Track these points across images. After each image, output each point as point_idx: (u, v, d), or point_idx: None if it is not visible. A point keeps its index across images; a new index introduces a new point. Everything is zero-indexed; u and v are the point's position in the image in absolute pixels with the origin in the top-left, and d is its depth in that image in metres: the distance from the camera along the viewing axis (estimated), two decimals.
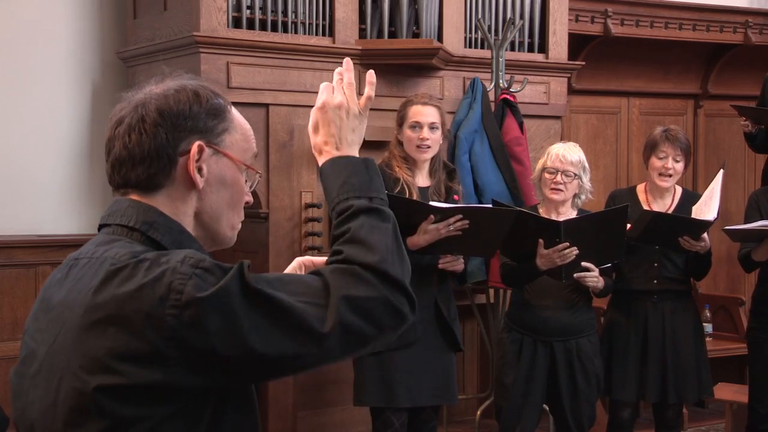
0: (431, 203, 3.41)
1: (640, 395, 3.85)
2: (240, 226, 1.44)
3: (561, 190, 3.60)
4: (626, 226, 3.50)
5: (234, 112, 1.42)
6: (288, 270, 1.64)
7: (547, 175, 3.62)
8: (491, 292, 4.43)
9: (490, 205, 3.74)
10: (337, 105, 1.46)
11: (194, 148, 1.34)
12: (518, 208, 3.52)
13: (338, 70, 1.50)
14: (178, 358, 1.19)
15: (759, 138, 4.57)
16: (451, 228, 3.31)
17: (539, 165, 3.69)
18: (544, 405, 3.73)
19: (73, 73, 4.43)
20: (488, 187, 4.14)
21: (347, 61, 1.50)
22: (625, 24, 5.51)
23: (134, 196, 1.35)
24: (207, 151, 1.35)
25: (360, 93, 1.49)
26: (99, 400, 1.19)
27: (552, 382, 3.63)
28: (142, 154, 1.33)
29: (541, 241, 3.40)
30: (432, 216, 3.30)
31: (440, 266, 3.48)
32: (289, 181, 4.08)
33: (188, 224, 1.37)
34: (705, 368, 3.89)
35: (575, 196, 3.65)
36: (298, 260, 1.63)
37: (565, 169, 3.59)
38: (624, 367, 3.82)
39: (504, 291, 4.30)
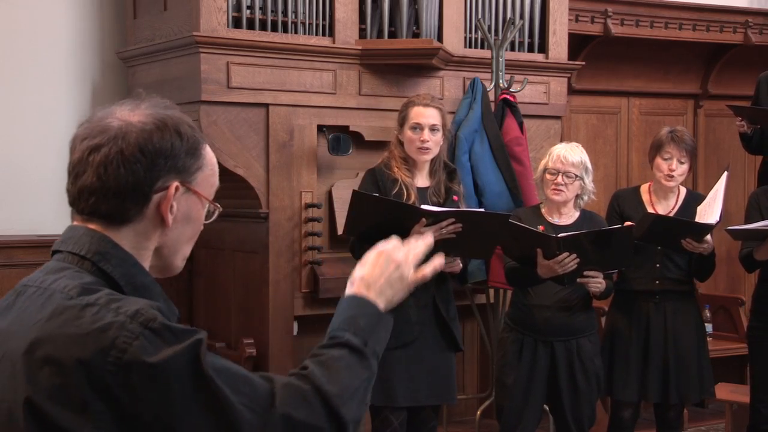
0: (423, 207, 3.40)
1: (642, 395, 3.85)
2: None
3: (562, 191, 3.59)
4: (632, 238, 3.48)
5: (207, 148, 1.41)
6: None
7: (548, 176, 3.61)
8: (491, 292, 4.43)
9: (483, 210, 3.75)
10: (395, 260, 1.47)
11: (172, 189, 1.33)
12: (515, 222, 3.48)
13: (422, 238, 1.54)
14: (104, 413, 1.16)
15: (755, 139, 4.57)
16: (444, 231, 3.30)
17: (541, 165, 3.68)
18: (545, 405, 3.74)
19: (73, 73, 4.43)
20: (488, 187, 4.13)
21: (430, 237, 1.55)
22: (625, 24, 5.51)
23: (97, 225, 1.33)
24: (180, 189, 1.34)
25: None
26: None
27: (552, 382, 3.62)
28: (117, 188, 1.30)
29: (539, 251, 3.39)
30: (424, 219, 3.29)
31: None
32: (289, 181, 4.08)
33: (146, 258, 1.35)
34: (707, 369, 3.88)
35: (577, 196, 3.65)
36: None
37: (566, 170, 3.58)
38: (625, 367, 3.82)
39: (504, 291, 4.30)
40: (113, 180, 1.30)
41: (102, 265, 1.30)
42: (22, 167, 4.32)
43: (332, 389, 1.28)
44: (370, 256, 1.48)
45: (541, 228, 3.56)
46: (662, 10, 5.60)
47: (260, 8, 4.01)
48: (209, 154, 1.41)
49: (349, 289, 1.46)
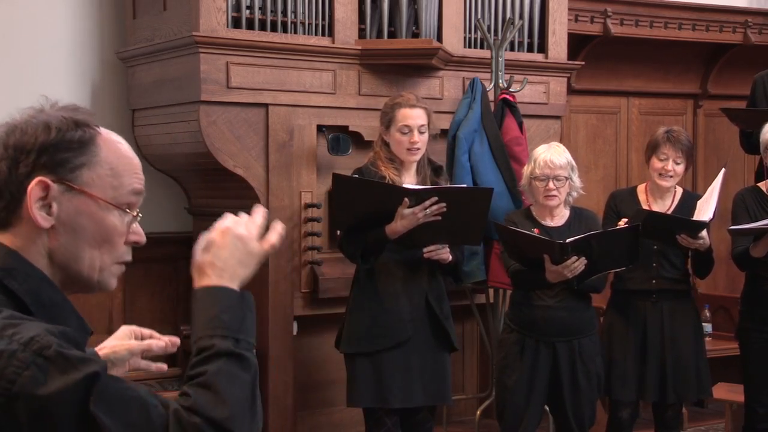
0: (404, 185, 3.39)
1: (640, 395, 3.86)
2: (116, 269, 1.33)
3: (555, 196, 3.57)
4: (638, 236, 3.48)
5: (104, 144, 1.29)
6: (117, 336, 1.57)
7: (537, 183, 3.57)
8: (491, 292, 4.42)
9: (465, 185, 3.73)
10: (239, 236, 1.35)
11: (32, 184, 1.23)
12: (519, 230, 3.48)
13: (256, 209, 1.41)
14: None
15: (754, 136, 4.58)
16: (428, 211, 3.29)
17: (527, 172, 3.63)
18: (545, 406, 3.73)
19: (73, 73, 4.42)
20: (488, 186, 4.13)
21: (262, 211, 1.42)
22: (625, 24, 5.51)
23: None
24: (56, 187, 1.24)
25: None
26: None
27: (554, 383, 3.62)
28: None
29: (546, 256, 3.38)
30: (407, 200, 3.29)
31: (425, 255, 3.46)
32: (288, 181, 4.08)
33: (42, 265, 1.26)
34: (704, 368, 3.89)
35: (567, 194, 3.64)
36: (126, 328, 1.55)
37: (556, 175, 3.56)
38: (623, 366, 3.82)
39: (504, 291, 4.30)
40: None
41: (6, 281, 1.22)
42: None
43: (221, 414, 1.19)
44: (213, 238, 1.35)
45: (536, 231, 3.55)
46: (662, 10, 5.60)
47: (260, 8, 4.01)
48: (109, 153, 1.30)
49: (199, 280, 1.33)
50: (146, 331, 1.60)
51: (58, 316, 1.23)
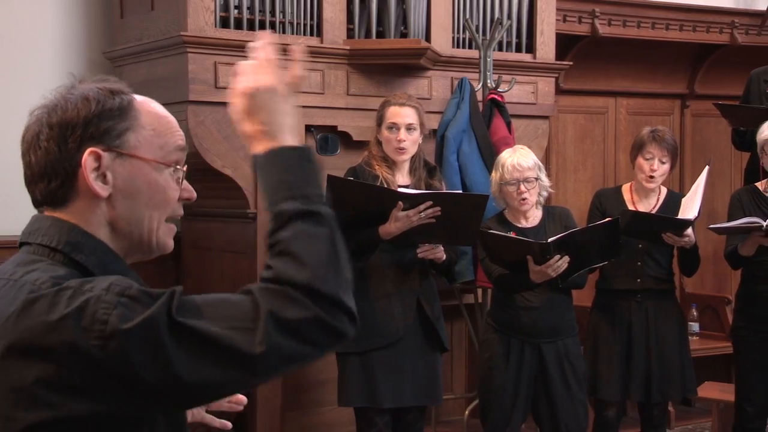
0: (399, 189, 3.40)
1: (625, 394, 3.87)
2: (170, 228, 1.36)
3: (527, 199, 3.58)
4: (619, 233, 3.50)
5: (141, 107, 1.33)
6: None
7: (508, 188, 3.58)
8: (479, 291, 4.43)
9: (459, 191, 3.73)
10: (268, 88, 1.35)
11: (85, 156, 1.27)
12: (500, 233, 3.48)
13: (253, 45, 1.39)
14: (106, 388, 1.15)
15: (748, 134, 4.60)
16: (422, 215, 3.30)
17: (495, 178, 3.62)
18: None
19: (60, 72, 4.40)
20: (476, 186, 4.14)
21: (264, 36, 1.40)
22: (613, 24, 5.53)
23: (49, 212, 1.30)
24: (106, 156, 1.28)
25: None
26: None
27: (540, 385, 3.62)
28: (40, 170, 1.28)
29: (529, 257, 3.39)
30: (401, 203, 3.29)
31: (420, 255, 3.47)
32: None
33: (104, 236, 1.30)
34: (689, 367, 3.91)
35: (537, 195, 3.65)
36: None
37: (525, 177, 3.56)
38: (609, 366, 3.84)
39: (492, 291, 4.30)
40: (36, 164, 1.29)
41: (74, 255, 1.26)
42: (7, 168, 4.29)
43: (305, 275, 1.20)
44: (245, 105, 1.33)
45: (512, 234, 3.56)
46: (649, 11, 5.62)
47: (248, 8, 4.00)
48: (147, 115, 1.33)
49: (253, 147, 1.32)
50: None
51: None
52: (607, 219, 3.55)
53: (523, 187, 3.55)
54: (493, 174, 3.66)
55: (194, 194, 1.39)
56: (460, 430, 4.54)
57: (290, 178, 1.29)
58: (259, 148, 1.32)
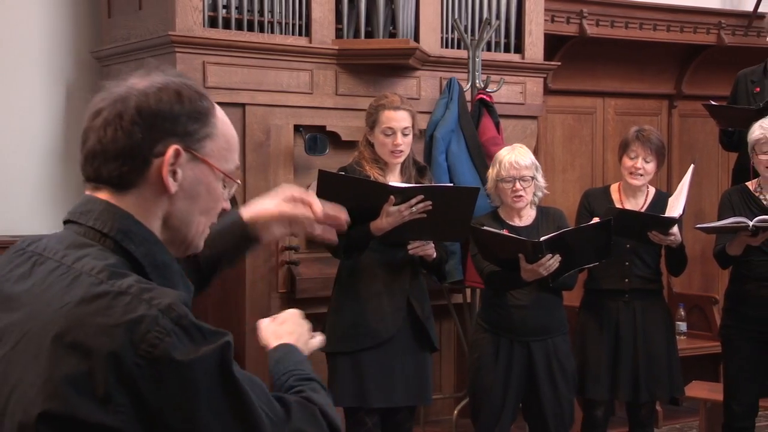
0: (390, 183, 3.40)
1: (613, 394, 3.89)
2: (208, 231, 1.42)
3: (522, 197, 3.60)
4: (611, 234, 3.51)
5: (220, 117, 1.37)
6: (278, 198, 1.78)
7: (504, 185, 3.59)
8: (468, 291, 4.44)
9: (451, 184, 3.73)
10: (301, 323, 1.73)
11: (170, 151, 1.29)
12: (493, 230, 3.49)
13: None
14: (126, 405, 1.15)
15: (736, 134, 4.62)
16: (414, 210, 3.30)
17: (492, 175, 3.65)
18: (520, 404, 3.75)
19: (47, 72, 4.39)
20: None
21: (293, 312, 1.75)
22: (601, 25, 5.54)
23: (105, 193, 1.31)
24: (184, 155, 1.31)
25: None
26: (39, 428, 1.16)
27: (530, 383, 3.63)
28: (116, 150, 1.29)
29: (521, 256, 3.40)
30: (392, 198, 3.29)
31: (410, 252, 3.47)
32: (265, 181, 4.07)
33: (156, 227, 1.33)
34: (676, 367, 3.93)
35: (533, 194, 3.66)
36: (288, 190, 1.78)
37: (522, 175, 3.58)
38: (597, 366, 3.85)
39: (480, 291, 4.31)
40: (112, 143, 1.29)
41: (125, 244, 1.28)
42: None
43: (330, 412, 1.42)
44: (285, 317, 1.73)
45: (505, 232, 3.57)
46: (637, 11, 5.64)
47: (236, 8, 4.00)
48: (223, 126, 1.38)
49: (279, 340, 1.64)
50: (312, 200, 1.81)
51: (169, 277, 1.31)
52: (599, 220, 3.56)
53: (518, 185, 3.57)
54: (490, 170, 3.68)
55: (229, 206, 1.45)
56: (448, 430, 4.54)
57: (305, 365, 1.57)
58: (285, 341, 1.66)
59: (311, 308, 4.05)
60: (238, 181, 1.42)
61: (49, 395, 1.16)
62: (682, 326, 5.44)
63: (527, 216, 3.67)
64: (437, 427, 4.68)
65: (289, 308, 4.28)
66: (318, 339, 1.71)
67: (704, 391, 4.64)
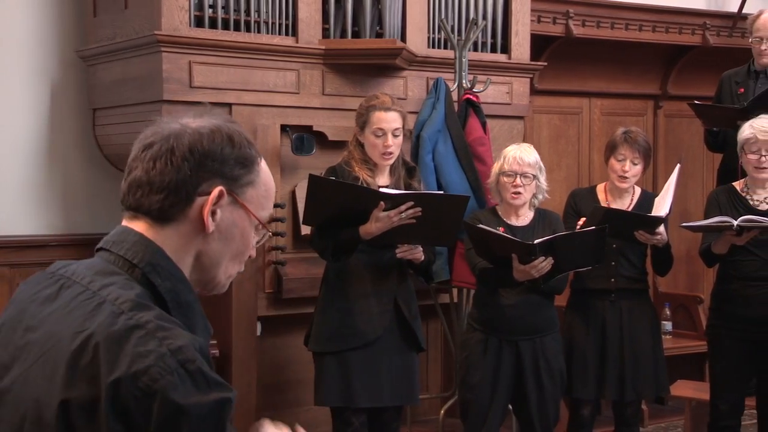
0: (381, 189, 3.40)
1: (600, 393, 3.90)
2: (235, 275, 1.44)
3: (521, 194, 3.61)
4: (605, 240, 3.53)
5: (263, 167, 1.41)
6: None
7: (505, 179, 3.62)
8: (454, 291, 4.44)
9: (441, 192, 3.75)
10: None
11: (215, 192, 1.33)
12: (488, 228, 3.50)
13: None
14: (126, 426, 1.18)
15: (720, 135, 4.65)
16: (403, 216, 3.30)
17: (495, 169, 3.69)
18: (509, 405, 3.75)
19: (32, 72, 4.36)
20: (452, 186, 4.15)
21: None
22: (587, 25, 5.56)
23: (143, 224, 1.34)
24: (226, 198, 1.35)
25: None
26: None
27: (517, 382, 3.64)
28: (162, 183, 1.32)
29: (514, 256, 3.41)
30: (382, 203, 3.29)
31: (398, 255, 3.47)
32: None
33: (187, 264, 1.36)
34: (662, 366, 3.95)
35: (533, 196, 3.68)
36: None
37: (524, 172, 3.61)
38: (583, 365, 3.87)
39: (467, 290, 4.32)
40: (159, 176, 1.33)
41: (152, 277, 1.30)
42: None
43: None
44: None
45: (501, 230, 3.58)
46: (622, 12, 5.66)
47: (222, 7, 3.98)
48: (265, 175, 1.42)
49: None
50: None
51: (190, 317, 1.32)
52: (594, 227, 3.56)
53: (519, 181, 3.59)
54: (495, 164, 3.70)
55: (255, 253, 1.46)
56: (435, 430, 4.55)
57: None
58: None
59: (298, 308, 4.05)
60: (270, 232, 1.46)
61: (63, 416, 1.18)
62: (668, 326, 5.46)
63: (525, 216, 3.68)
64: (424, 427, 4.68)
65: (275, 309, 4.26)
66: None
67: (689, 390, 4.67)
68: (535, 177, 3.63)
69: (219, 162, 1.34)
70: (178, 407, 1.17)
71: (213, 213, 1.34)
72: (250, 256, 1.44)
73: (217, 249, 1.37)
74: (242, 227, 1.38)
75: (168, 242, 1.33)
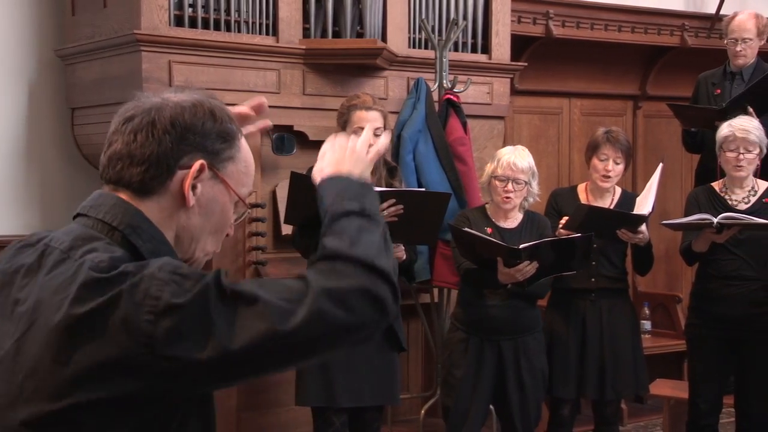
0: None
1: (580, 392, 3.92)
2: (212, 254, 1.43)
3: (511, 199, 3.62)
4: (591, 243, 3.55)
5: (243, 143, 1.41)
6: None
7: (497, 183, 3.62)
8: (435, 291, 4.45)
9: (423, 189, 3.75)
10: (351, 147, 1.49)
11: (196, 165, 1.33)
12: (474, 232, 3.51)
13: (367, 128, 1.59)
14: (152, 364, 1.17)
15: (698, 136, 4.68)
16: (385, 213, 3.31)
17: (488, 170, 3.69)
18: (490, 405, 3.76)
19: (9, 71, 4.32)
20: (432, 186, 4.15)
21: (370, 127, 1.55)
22: (566, 26, 5.58)
23: (123, 195, 1.33)
24: (207, 172, 1.34)
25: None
26: (71, 416, 1.17)
27: (499, 381, 3.65)
28: (143, 156, 1.32)
29: (499, 259, 3.42)
30: None
31: None
32: None
33: (168, 238, 1.35)
34: (641, 365, 3.97)
35: (523, 199, 3.69)
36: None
37: (516, 177, 3.61)
38: (564, 364, 3.88)
39: (448, 290, 4.32)
40: (140, 148, 1.32)
41: (132, 238, 1.30)
42: None
43: (356, 251, 1.28)
44: (328, 149, 1.49)
45: (489, 230, 3.59)
46: (602, 13, 5.69)
47: (203, 7, 3.97)
48: (245, 151, 1.41)
49: (321, 177, 1.45)
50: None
51: None
52: (581, 234, 3.57)
53: (510, 186, 3.59)
54: (488, 165, 3.70)
55: (233, 232, 1.46)
56: (416, 430, 4.55)
57: (351, 192, 1.40)
58: (329, 173, 1.45)
59: None
60: (249, 208, 1.44)
61: (74, 390, 1.17)
62: (647, 325, 5.50)
63: (514, 219, 3.70)
64: (405, 426, 4.68)
65: None
66: (377, 144, 1.54)
67: (668, 388, 4.70)
68: (527, 183, 3.63)
69: (200, 135, 1.34)
70: (188, 303, 1.17)
71: (194, 187, 1.33)
72: (228, 235, 1.44)
73: (197, 223, 1.37)
74: (222, 202, 1.38)
75: (149, 215, 1.33)
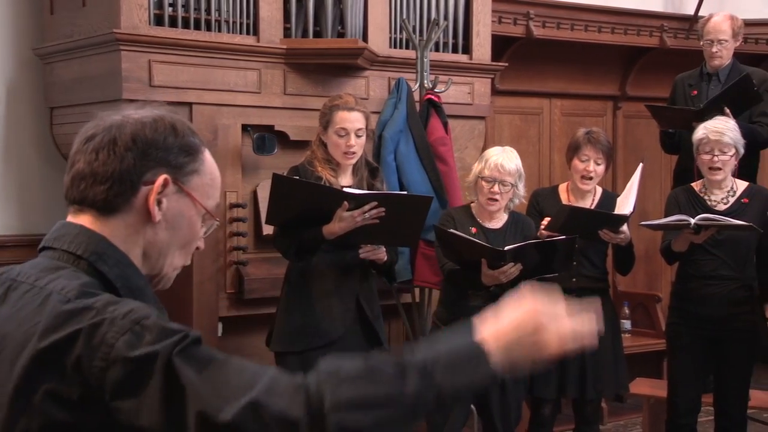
0: (345, 189, 3.40)
1: (561, 391, 3.93)
2: (181, 269, 1.43)
3: (497, 201, 3.62)
4: (574, 245, 3.56)
5: (207, 155, 1.41)
6: None
7: (484, 183, 3.62)
8: (416, 291, 4.44)
9: (405, 192, 3.76)
10: (539, 323, 1.30)
11: (159, 180, 1.32)
12: (459, 233, 3.51)
13: (590, 315, 1.36)
14: (101, 404, 1.17)
15: (676, 136, 4.71)
16: (367, 216, 3.31)
17: (475, 170, 3.68)
18: (471, 405, 3.77)
19: None
20: (413, 186, 4.15)
21: (592, 319, 1.34)
22: (547, 26, 5.60)
23: (88, 217, 1.33)
24: (171, 186, 1.34)
25: None
26: None
27: None
28: (106, 174, 1.31)
29: (483, 261, 3.42)
30: (346, 203, 3.29)
31: (361, 256, 3.47)
32: None
33: (136, 256, 1.35)
34: (621, 365, 3.99)
35: (509, 200, 3.69)
36: None
37: (503, 179, 3.61)
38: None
39: (429, 290, 4.32)
40: (102, 166, 1.32)
41: (98, 265, 1.30)
42: None
43: (332, 396, 1.14)
44: (517, 310, 1.30)
45: (473, 230, 3.59)
46: (582, 13, 5.72)
47: (183, 6, 3.95)
48: (210, 163, 1.40)
49: (487, 343, 1.26)
50: None
51: (143, 302, 1.28)
52: (565, 236, 3.58)
53: (496, 188, 3.59)
54: (475, 165, 3.70)
55: (203, 245, 1.45)
56: None
57: (463, 380, 1.23)
58: (479, 336, 1.27)
59: (260, 309, 4.03)
60: (218, 220, 1.43)
61: (29, 414, 1.18)
62: (627, 324, 5.53)
63: (499, 219, 3.70)
64: None
65: (236, 309, 4.16)
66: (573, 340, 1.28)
67: (647, 388, 4.72)
68: (513, 185, 3.64)
69: (163, 150, 1.33)
70: (137, 359, 1.15)
71: (159, 202, 1.33)
72: (198, 248, 1.43)
73: (164, 239, 1.36)
74: (189, 216, 1.37)
75: (115, 233, 1.33)
